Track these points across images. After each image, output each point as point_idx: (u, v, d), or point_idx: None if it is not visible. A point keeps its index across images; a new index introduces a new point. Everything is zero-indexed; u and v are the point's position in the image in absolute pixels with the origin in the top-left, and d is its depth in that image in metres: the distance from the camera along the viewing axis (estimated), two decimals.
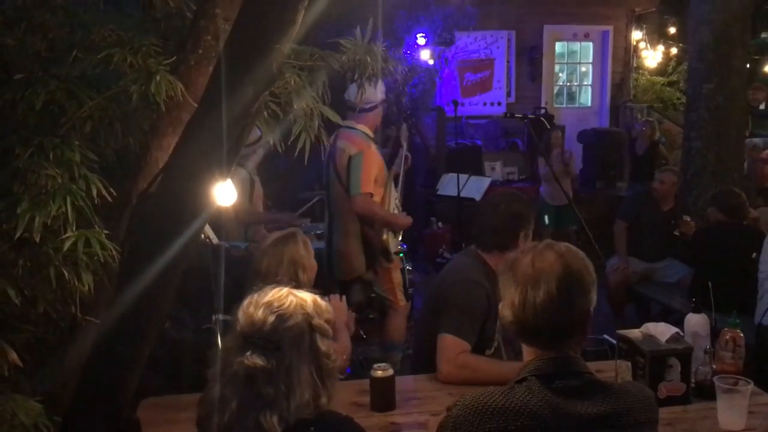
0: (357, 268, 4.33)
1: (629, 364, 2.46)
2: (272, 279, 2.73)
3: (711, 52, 7.38)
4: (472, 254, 2.93)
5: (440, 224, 8.09)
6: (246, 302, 1.66)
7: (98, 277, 2.08)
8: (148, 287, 1.93)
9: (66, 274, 1.99)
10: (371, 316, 5.18)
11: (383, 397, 2.40)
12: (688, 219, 5.65)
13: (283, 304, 1.63)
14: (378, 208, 4.25)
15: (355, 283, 4.37)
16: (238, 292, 4.71)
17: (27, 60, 2.45)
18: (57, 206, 1.93)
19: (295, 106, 2.33)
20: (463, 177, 6.87)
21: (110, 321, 2.02)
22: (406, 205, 7.73)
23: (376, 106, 4.32)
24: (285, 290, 1.67)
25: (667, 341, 2.42)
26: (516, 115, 4.42)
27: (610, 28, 10.65)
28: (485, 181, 7.14)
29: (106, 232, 2.01)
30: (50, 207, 1.94)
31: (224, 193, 1.89)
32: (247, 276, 4.83)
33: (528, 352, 1.70)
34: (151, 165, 2.27)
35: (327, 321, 1.67)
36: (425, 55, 8.12)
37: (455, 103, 6.42)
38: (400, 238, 4.61)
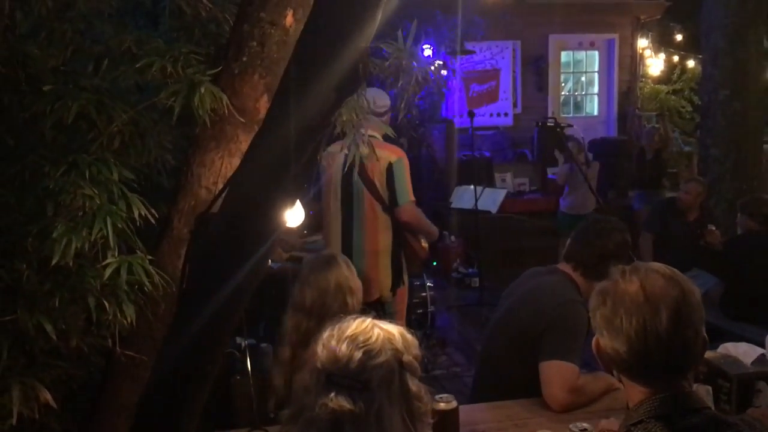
0: (383, 288, 4.02)
1: (709, 388, 2.27)
2: (318, 313, 2.50)
3: (726, 57, 7.27)
4: (561, 274, 2.72)
5: (453, 238, 7.90)
6: (326, 335, 1.46)
7: (139, 307, 1.89)
8: (215, 314, 1.72)
9: (107, 305, 1.79)
10: None
11: (447, 431, 2.20)
12: (714, 228, 5.51)
13: (370, 337, 1.43)
14: (422, 214, 4.03)
15: (372, 307, 4.13)
16: (257, 313, 4.49)
17: (48, 72, 2.27)
18: (97, 229, 1.74)
19: (344, 118, 2.14)
20: (478, 189, 6.72)
21: (168, 358, 1.81)
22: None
23: (386, 112, 4.08)
24: (369, 321, 1.48)
25: (753, 363, 2.24)
26: (557, 124, 4.25)
27: (615, 36, 10.53)
28: (501, 193, 6.97)
29: (150, 257, 1.82)
30: (88, 230, 1.75)
31: (293, 213, 1.71)
32: (267, 295, 4.60)
33: (637, 391, 1.50)
34: (192, 183, 2.08)
35: (415, 357, 1.47)
36: (434, 66, 7.96)
37: (471, 115, 6.26)
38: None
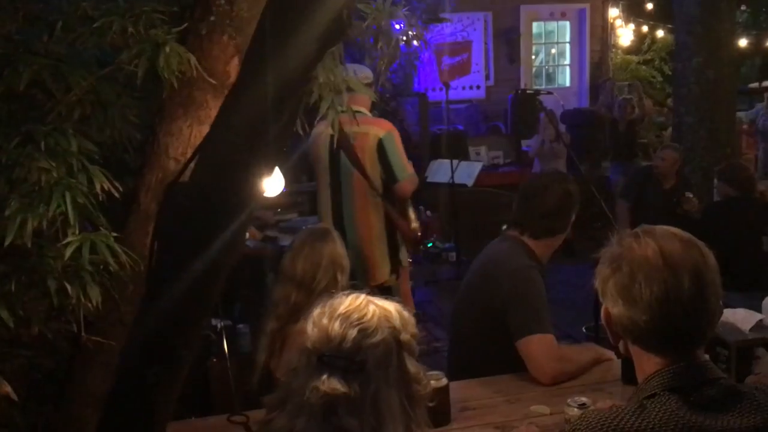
0: (383, 273, 3.87)
1: (706, 356, 2.19)
2: (308, 285, 2.42)
3: (699, 24, 7.22)
4: (513, 240, 2.64)
5: (428, 213, 7.81)
6: (316, 312, 1.34)
7: (105, 289, 1.74)
8: (188, 294, 1.57)
9: (69, 288, 1.64)
10: None
11: (438, 411, 2.09)
12: (691, 195, 5.49)
13: (365, 315, 1.31)
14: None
15: (380, 291, 3.99)
16: (232, 294, 4.34)
17: (5, 41, 2.09)
18: (55, 205, 1.59)
19: (320, 80, 1.99)
20: (454, 163, 6.61)
21: (136, 341, 1.66)
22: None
23: (369, 85, 3.91)
24: (363, 298, 1.36)
25: (752, 330, 2.16)
26: (537, 91, 4.15)
27: (586, 6, 10.45)
28: (476, 166, 6.88)
29: (115, 234, 1.66)
30: (45, 207, 1.59)
31: (272, 182, 1.56)
32: (242, 276, 4.45)
33: (651, 362, 1.40)
34: (159, 154, 1.92)
35: (413, 336, 1.36)
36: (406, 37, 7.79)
37: (446, 86, 6.12)
38: None
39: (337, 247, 2.56)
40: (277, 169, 1.58)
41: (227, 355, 3.76)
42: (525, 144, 9.13)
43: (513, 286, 2.46)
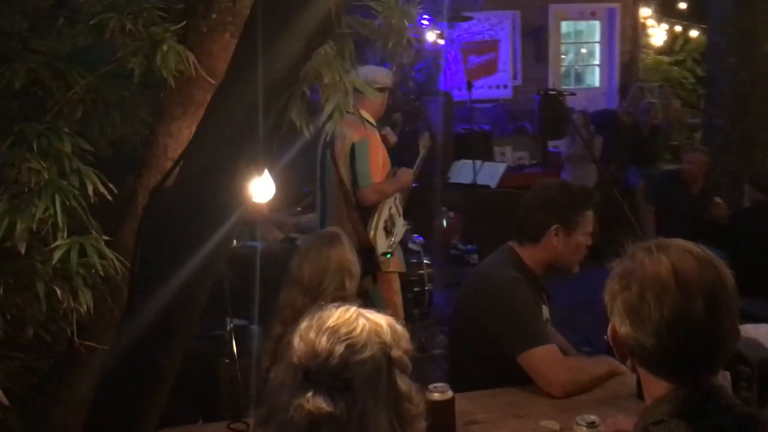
0: None
1: (727, 374, 2.08)
2: (315, 290, 2.36)
3: (732, 24, 7.03)
4: (507, 250, 2.58)
5: (452, 214, 7.71)
6: (304, 325, 1.27)
7: (98, 293, 1.70)
8: (170, 303, 1.51)
9: (58, 291, 1.60)
10: None
11: (443, 424, 2.02)
12: (720, 200, 5.32)
13: (354, 329, 1.24)
14: (387, 186, 3.88)
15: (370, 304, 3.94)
16: (246, 293, 4.33)
17: (4, 38, 2.06)
18: (43, 207, 1.54)
19: (326, 80, 1.92)
20: (477, 163, 6.51)
21: (121, 347, 1.61)
22: (414, 195, 7.37)
23: (382, 89, 3.90)
24: (353, 311, 1.28)
25: None
26: (560, 92, 4.06)
27: (617, 5, 10.25)
28: (500, 167, 6.78)
29: (106, 238, 1.61)
30: (35, 208, 1.55)
31: (261, 186, 1.49)
32: (252, 275, 4.43)
33: (658, 385, 1.30)
34: (158, 156, 1.87)
35: (406, 352, 1.28)
36: (431, 36, 7.70)
37: (469, 85, 6.02)
38: (400, 231, 4.12)
39: (346, 252, 2.49)
40: (266, 173, 1.51)
41: (236, 357, 3.73)
42: (552, 145, 9.00)
43: (498, 304, 2.41)
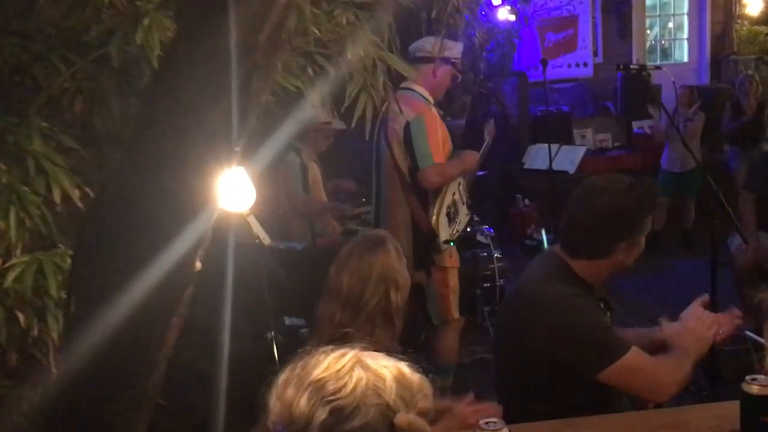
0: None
1: None
2: (355, 304, 2.09)
3: None
4: (553, 257, 2.21)
5: (527, 201, 7.29)
6: (283, 377, 0.96)
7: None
8: (110, 347, 1.16)
9: (21, 318, 1.34)
10: (424, 335, 4.08)
11: None
12: None
13: (344, 386, 0.92)
14: (450, 167, 3.51)
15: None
16: (301, 293, 4.04)
17: None
18: None
19: (348, 56, 1.60)
20: (554, 147, 6.04)
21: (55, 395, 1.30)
22: (486, 182, 6.97)
23: (428, 60, 3.51)
24: (350, 357, 0.95)
25: None
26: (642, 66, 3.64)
27: None
28: (579, 151, 6.27)
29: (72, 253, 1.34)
30: None
31: (237, 188, 1.15)
32: (308, 275, 4.16)
33: None
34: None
35: (422, 413, 0.95)
36: (503, 13, 7.24)
37: (543, 63, 5.56)
38: (463, 220, 3.77)
39: (391, 260, 2.18)
40: (242, 172, 1.18)
41: (277, 363, 3.49)
42: (637, 126, 8.40)
43: (555, 330, 2.06)
